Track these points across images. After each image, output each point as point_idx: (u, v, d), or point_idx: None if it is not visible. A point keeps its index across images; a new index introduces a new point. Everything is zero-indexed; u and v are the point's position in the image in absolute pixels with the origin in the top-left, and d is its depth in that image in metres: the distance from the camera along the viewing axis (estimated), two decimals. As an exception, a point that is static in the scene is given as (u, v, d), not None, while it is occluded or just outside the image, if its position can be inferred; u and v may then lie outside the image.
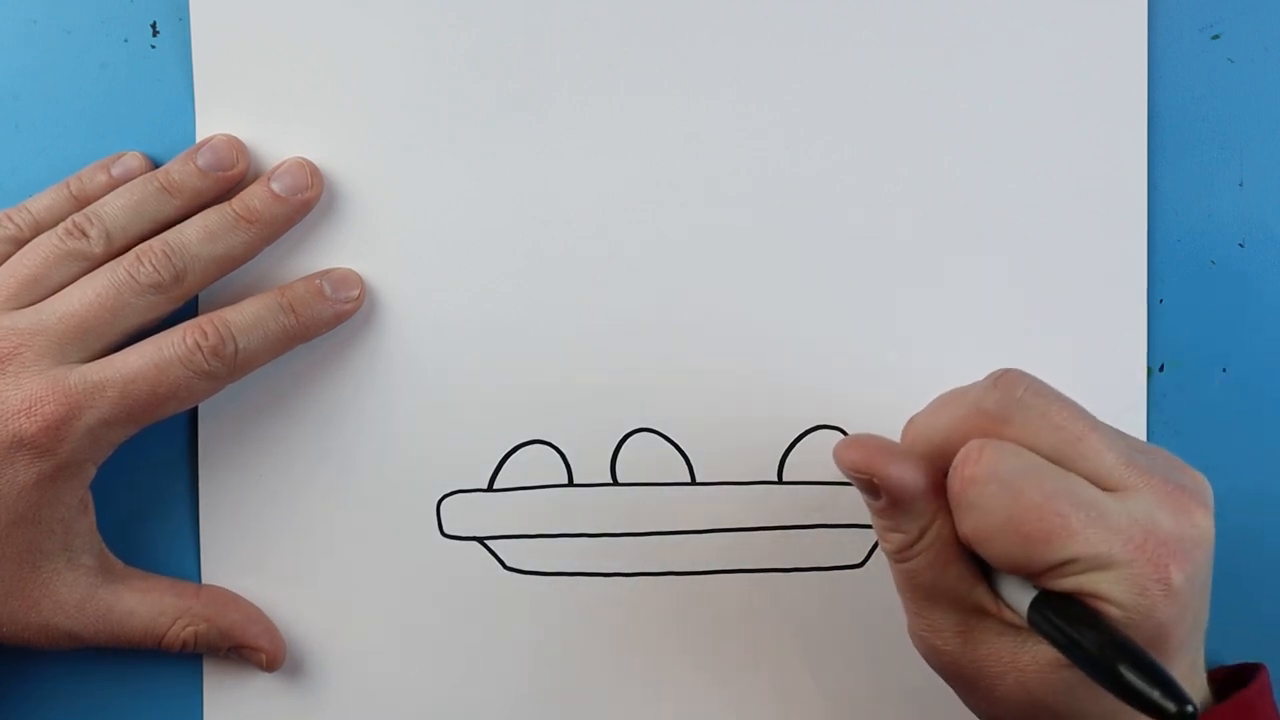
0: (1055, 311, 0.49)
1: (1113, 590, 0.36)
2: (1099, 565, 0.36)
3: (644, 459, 0.49)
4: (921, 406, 0.47)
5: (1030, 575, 0.38)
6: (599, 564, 0.49)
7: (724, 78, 0.49)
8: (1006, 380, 0.39)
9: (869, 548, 0.49)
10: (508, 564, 0.49)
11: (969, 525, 0.38)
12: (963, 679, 0.40)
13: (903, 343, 0.49)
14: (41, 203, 0.48)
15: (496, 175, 0.49)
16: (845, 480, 0.47)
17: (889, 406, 0.49)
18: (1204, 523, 0.38)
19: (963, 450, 0.38)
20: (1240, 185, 0.49)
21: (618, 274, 0.49)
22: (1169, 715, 0.33)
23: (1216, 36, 0.49)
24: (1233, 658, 0.47)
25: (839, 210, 0.49)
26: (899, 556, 0.40)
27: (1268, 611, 0.50)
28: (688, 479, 0.49)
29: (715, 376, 0.49)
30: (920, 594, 0.40)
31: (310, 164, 0.48)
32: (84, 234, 0.46)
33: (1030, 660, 0.39)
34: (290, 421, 0.49)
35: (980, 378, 0.40)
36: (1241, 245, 0.49)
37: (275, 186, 0.47)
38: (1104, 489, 0.38)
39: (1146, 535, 0.36)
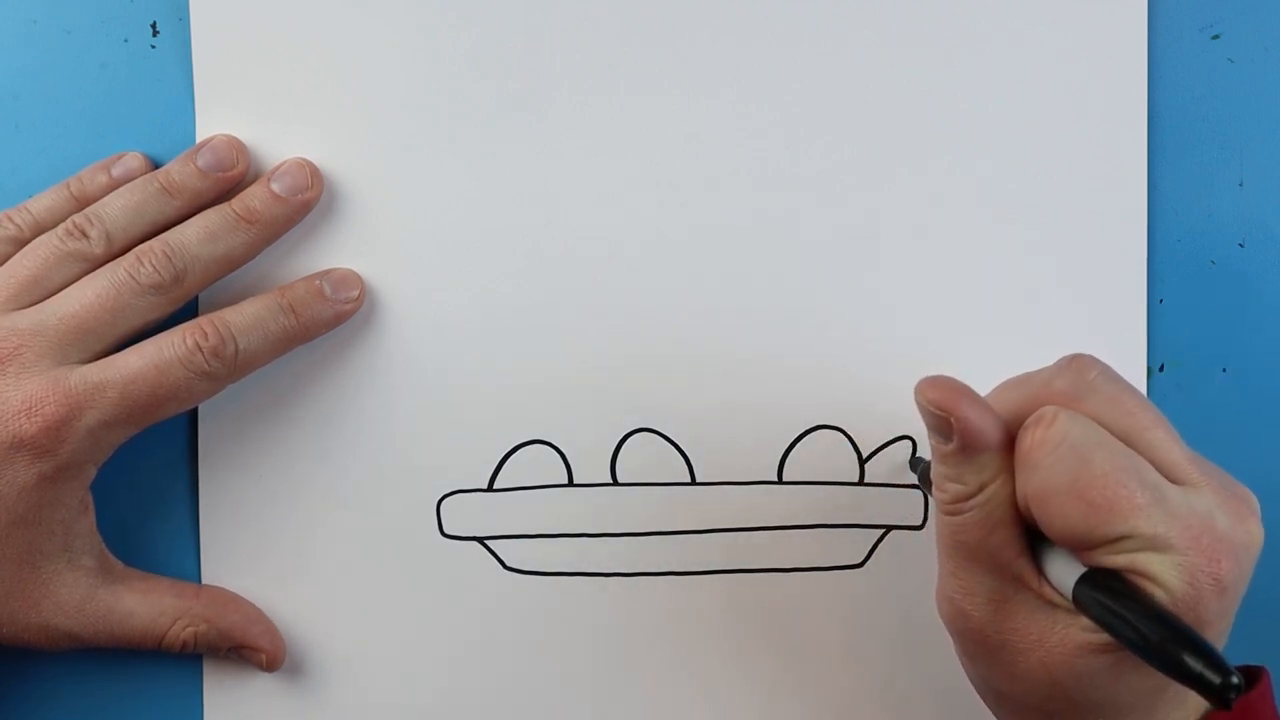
0: (1055, 311, 0.49)
1: (1164, 573, 0.36)
2: (1155, 546, 0.36)
3: (644, 459, 0.49)
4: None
5: (1084, 546, 0.37)
6: (599, 564, 0.49)
7: (724, 78, 0.48)
8: (1080, 363, 0.39)
9: (869, 548, 0.49)
10: (508, 564, 0.49)
11: (1034, 485, 0.38)
12: (984, 648, 0.40)
13: (903, 343, 0.49)
14: (42, 203, 0.48)
15: (496, 175, 0.49)
16: (845, 480, 0.48)
17: (889, 406, 0.49)
18: (1256, 531, 0.38)
19: (1036, 413, 0.38)
20: (1240, 185, 0.49)
21: (618, 274, 0.49)
22: (1216, 688, 0.33)
23: (1216, 36, 0.49)
24: (1234, 659, 0.47)
25: (839, 210, 0.49)
26: (953, 508, 0.40)
27: (1269, 612, 0.50)
28: (688, 479, 0.49)
29: (715, 377, 0.49)
30: (963, 553, 0.40)
31: (310, 164, 0.48)
32: (84, 235, 0.46)
33: (1059, 641, 0.38)
34: (290, 421, 0.49)
35: (984, 376, 0.40)
36: (1241, 245, 0.49)
37: (275, 187, 0.47)
38: (1167, 479, 0.38)
39: (1204, 528, 0.37)
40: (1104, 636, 0.37)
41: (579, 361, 0.49)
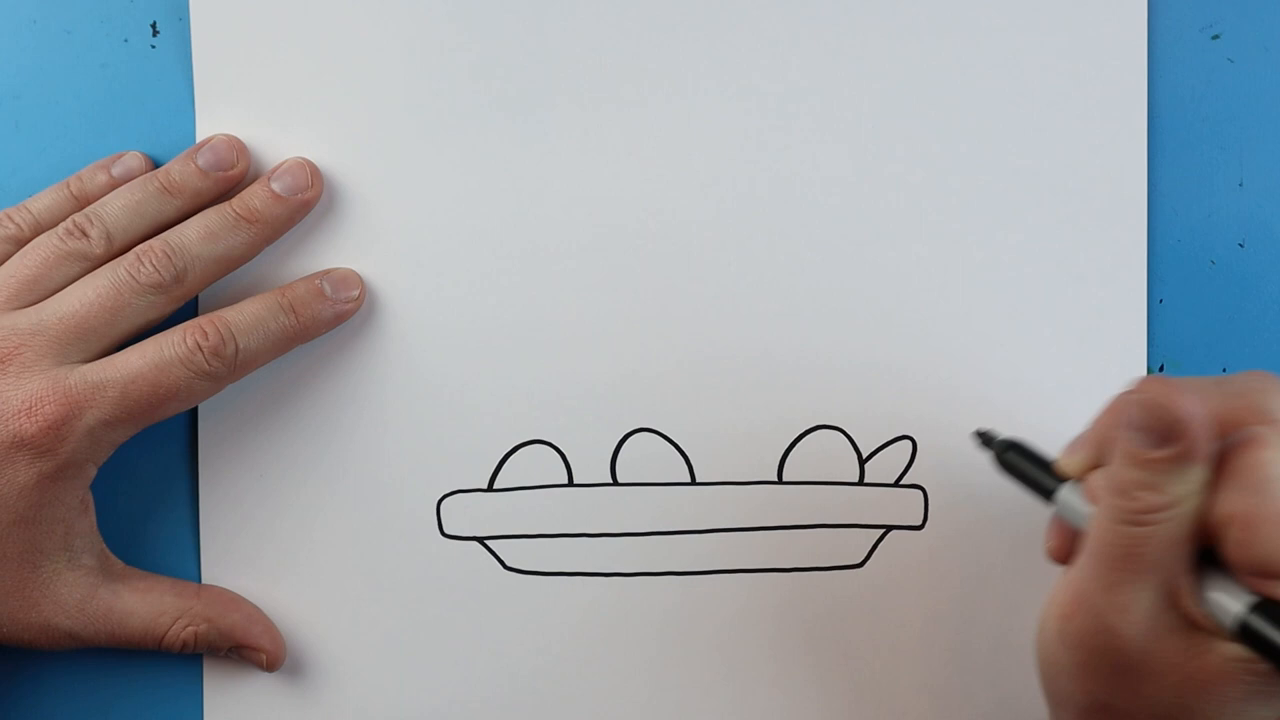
0: (1055, 311, 0.49)
1: None
2: None
3: (644, 459, 0.49)
4: (922, 406, 0.47)
5: (1269, 575, 0.36)
6: (599, 564, 0.49)
7: (724, 79, 0.48)
8: (1268, 378, 0.38)
9: (869, 548, 0.49)
10: (508, 564, 0.49)
11: (1243, 507, 0.36)
12: (1118, 666, 0.38)
13: (903, 343, 0.49)
14: (42, 202, 0.48)
15: (496, 175, 0.49)
16: (845, 480, 0.47)
17: (889, 406, 0.49)
18: None
19: (1257, 431, 0.36)
20: (1240, 185, 0.49)
21: (618, 274, 0.49)
22: None
23: (1216, 36, 0.49)
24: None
25: (838, 211, 0.49)
26: (1142, 519, 0.36)
27: None
28: (688, 479, 0.49)
29: (715, 376, 0.49)
30: (1131, 566, 0.37)
31: (310, 164, 0.48)
32: (84, 234, 0.46)
33: (1203, 665, 0.37)
34: (290, 421, 0.49)
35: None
36: (1241, 245, 0.49)
37: (275, 186, 0.47)
38: None
39: None
40: (1258, 666, 0.36)
41: (579, 361, 0.49)
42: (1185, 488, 0.36)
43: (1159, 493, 0.36)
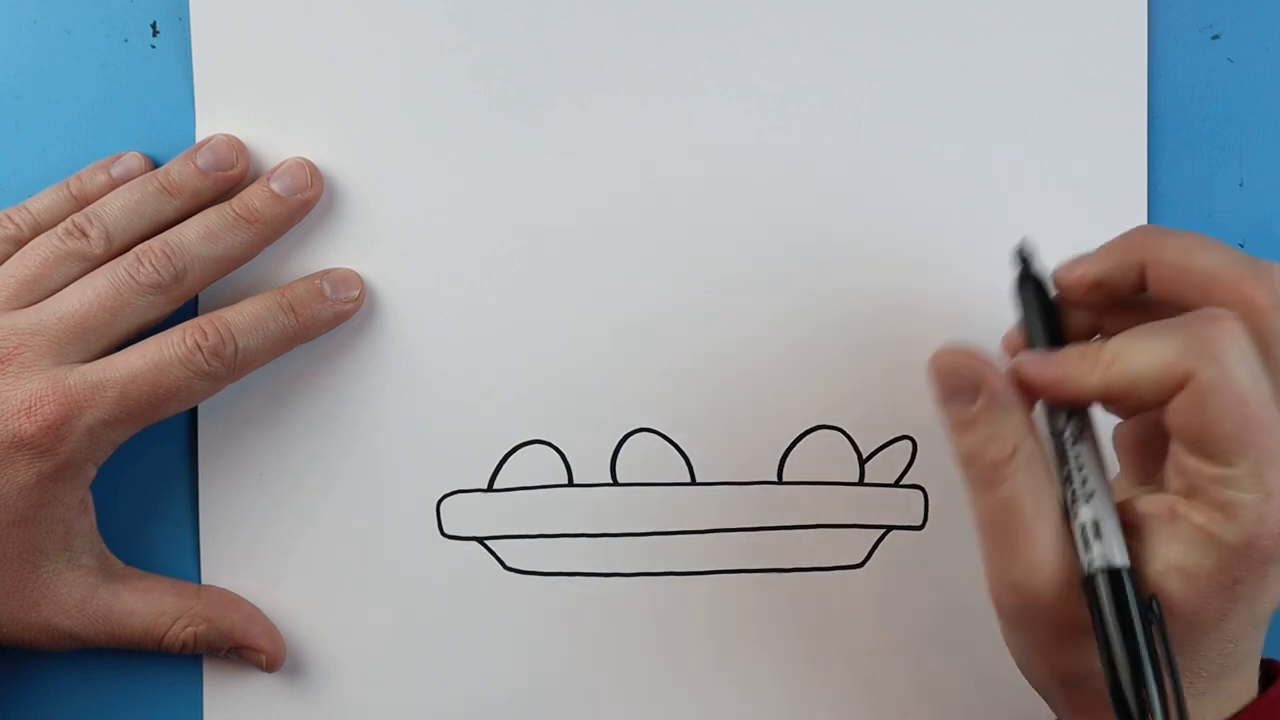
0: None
1: (1243, 516, 0.35)
2: (1256, 488, 0.35)
3: (644, 459, 0.49)
4: (922, 406, 0.47)
5: (1206, 455, 0.36)
6: (599, 564, 0.49)
7: (724, 79, 0.49)
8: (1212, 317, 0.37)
9: (869, 548, 0.49)
10: (508, 564, 0.49)
11: (1206, 378, 0.36)
12: (1056, 632, 0.38)
13: (903, 343, 0.49)
14: (41, 202, 0.48)
15: (496, 175, 0.49)
16: (845, 480, 0.47)
17: (889, 406, 0.49)
18: None
19: (1229, 310, 0.37)
20: (1240, 185, 0.49)
21: (618, 274, 0.49)
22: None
23: (1216, 36, 0.49)
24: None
25: (838, 210, 0.49)
26: (994, 474, 0.37)
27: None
28: (688, 479, 0.49)
29: (715, 376, 0.49)
30: (1015, 526, 0.37)
31: (310, 164, 0.48)
32: (84, 234, 0.46)
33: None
34: (290, 421, 0.49)
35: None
36: (1241, 245, 0.49)
37: (275, 186, 0.47)
38: None
39: None
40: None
41: (579, 361, 0.49)
42: (1017, 423, 0.38)
43: (997, 439, 0.38)
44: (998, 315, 0.49)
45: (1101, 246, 0.41)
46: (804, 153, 0.49)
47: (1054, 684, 0.40)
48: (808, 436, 0.49)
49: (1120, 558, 0.37)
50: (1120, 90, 0.48)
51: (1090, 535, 0.37)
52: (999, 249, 0.49)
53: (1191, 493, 0.37)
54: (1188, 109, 0.49)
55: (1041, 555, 0.37)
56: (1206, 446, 0.36)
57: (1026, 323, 0.42)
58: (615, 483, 0.49)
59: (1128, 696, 0.35)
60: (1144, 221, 0.49)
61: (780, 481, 0.49)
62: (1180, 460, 0.37)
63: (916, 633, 0.49)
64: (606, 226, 0.49)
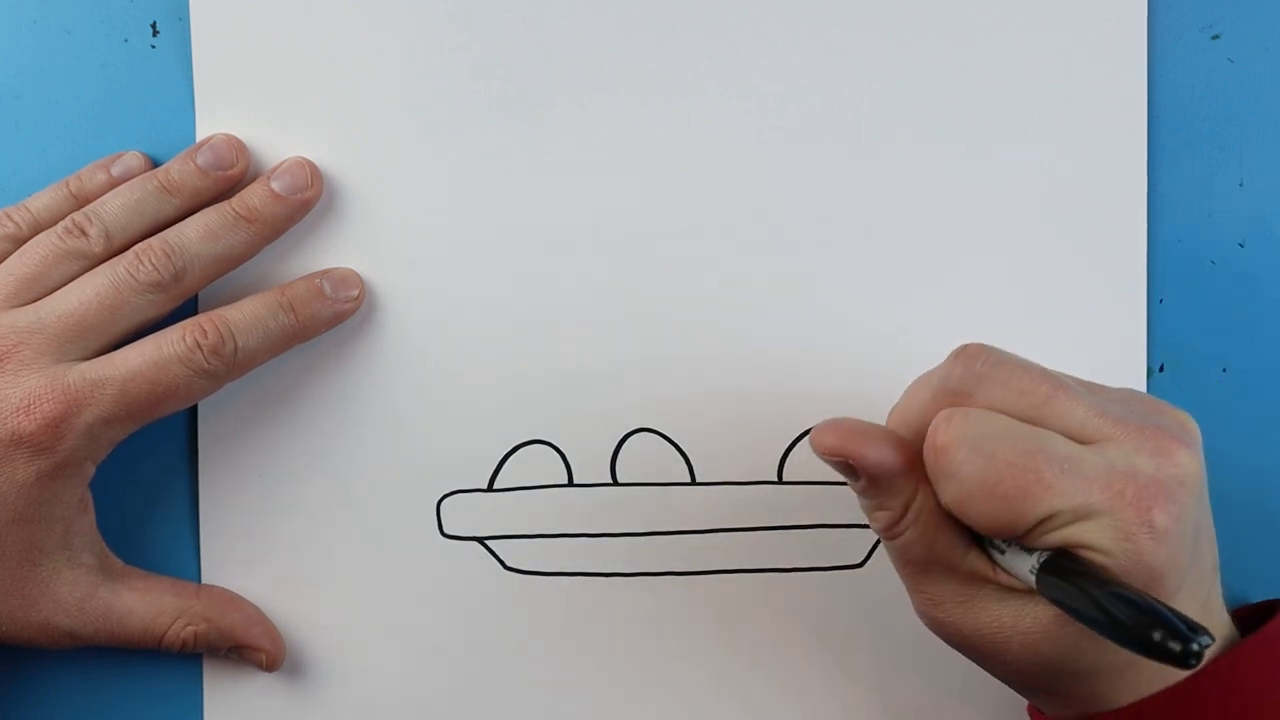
0: (1055, 312, 0.49)
1: (1098, 539, 0.36)
2: (1081, 516, 0.36)
3: (644, 459, 0.49)
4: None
5: (1015, 536, 0.38)
6: (599, 564, 0.49)
7: (724, 79, 0.49)
8: (966, 356, 0.39)
9: (869, 548, 0.49)
10: (508, 564, 0.49)
11: (948, 494, 0.38)
12: (972, 648, 0.40)
13: (902, 343, 0.49)
14: (41, 201, 0.48)
15: (497, 175, 0.49)
16: (845, 480, 0.47)
17: (889, 407, 0.49)
18: (1187, 461, 0.37)
19: (933, 422, 0.38)
20: (1240, 185, 0.49)
21: (618, 274, 0.49)
22: (1178, 655, 0.33)
23: (1216, 36, 0.49)
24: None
25: (838, 210, 0.49)
26: (888, 534, 0.40)
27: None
28: (688, 479, 0.49)
29: (715, 376, 0.49)
30: (916, 568, 0.40)
31: (310, 163, 0.48)
32: (83, 233, 0.46)
33: (1033, 622, 0.39)
34: (290, 421, 0.49)
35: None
36: (1241, 245, 0.49)
37: (275, 186, 0.47)
38: (1079, 443, 0.38)
39: (1126, 481, 0.36)
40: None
41: (579, 361, 0.49)
42: (903, 496, 0.40)
43: (886, 509, 0.40)
44: (997, 315, 0.49)
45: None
46: (804, 152, 0.49)
47: (1022, 689, 0.42)
48: (808, 436, 0.49)
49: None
50: (1120, 90, 0.48)
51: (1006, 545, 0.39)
52: (999, 249, 0.49)
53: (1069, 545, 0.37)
54: (1188, 109, 0.49)
55: (940, 590, 0.40)
56: (1018, 530, 0.37)
57: None
58: (615, 483, 0.49)
59: (1151, 635, 0.34)
60: (1144, 221, 0.49)
61: (780, 481, 0.49)
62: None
63: (916, 633, 0.49)
64: (606, 226, 0.49)
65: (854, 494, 0.41)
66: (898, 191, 0.49)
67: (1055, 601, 0.37)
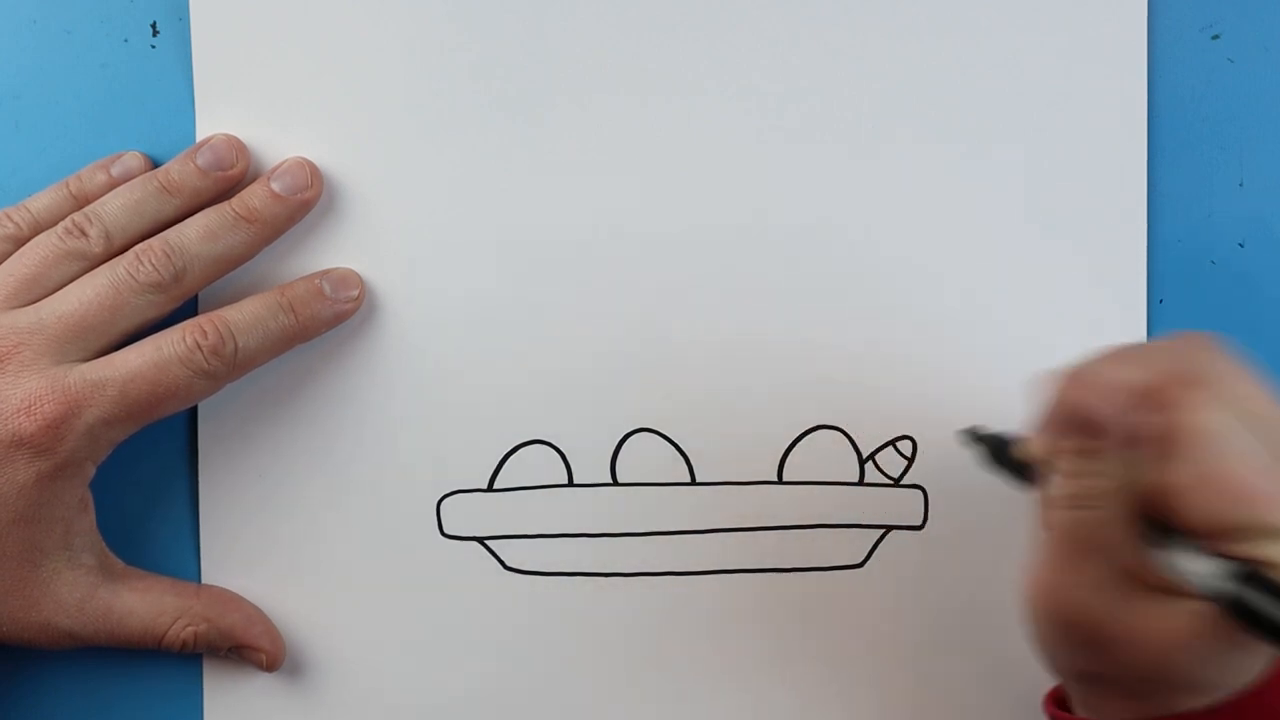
0: (1055, 311, 0.49)
1: None
2: None
3: (644, 459, 0.49)
4: (922, 406, 0.47)
5: (1217, 537, 0.36)
6: (599, 564, 0.49)
7: (724, 79, 0.49)
8: (1204, 345, 0.38)
9: (869, 548, 0.49)
10: (508, 564, 0.49)
11: (1174, 474, 0.37)
12: (1097, 639, 0.39)
13: (903, 343, 0.49)
14: (41, 202, 0.48)
15: (496, 175, 0.49)
16: (845, 480, 0.47)
17: (889, 406, 0.49)
18: None
19: (1174, 397, 0.37)
20: (1240, 185, 0.49)
21: (618, 274, 0.49)
22: None
23: (1216, 36, 0.49)
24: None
25: (838, 210, 0.49)
26: (1084, 502, 0.38)
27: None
28: (688, 479, 0.49)
29: (715, 376, 0.49)
30: (1083, 546, 0.38)
31: (310, 164, 0.48)
32: (83, 233, 0.46)
33: (1183, 627, 0.37)
34: (290, 421, 0.49)
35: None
36: (1241, 245, 0.49)
37: (275, 186, 0.47)
38: None
39: None
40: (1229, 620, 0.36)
41: (579, 361, 0.49)
42: (1117, 470, 0.38)
43: (1104, 477, 0.38)
44: (997, 315, 0.49)
45: (1039, 413, 0.41)
46: (804, 152, 0.49)
47: (1072, 676, 0.41)
48: (808, 436, 0.49)
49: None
50: (1120, 90, 0.48)
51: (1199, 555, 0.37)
52: (999, 249, 0.49)
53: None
54: (1188, 109, 0.49)
55: (1095, 576, 0.38)
56: (1232, 534, 0.36)
57: (1020, 478, 0.43)
58: (615, 483, 0.49)
59: None
60: (1144, 221, 0.49)
61: (780, 481, 0.49)
62: None
63: (916, 632, 0.49)
64: (606, 226, 0.49)
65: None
66: (898, 191, 0.49)
67: (1237, 612, 0.36)
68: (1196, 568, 0.37)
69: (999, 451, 0.43)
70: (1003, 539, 0.49)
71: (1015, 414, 0.48)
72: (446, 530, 0.49)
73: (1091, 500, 0.38)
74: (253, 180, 0.48)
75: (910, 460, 0.49)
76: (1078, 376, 0.38)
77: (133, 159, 0.48)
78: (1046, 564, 0.39)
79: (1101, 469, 0.38)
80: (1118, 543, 0.38)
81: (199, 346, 0.45)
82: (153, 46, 0.49)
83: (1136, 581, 0.38)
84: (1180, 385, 0.38)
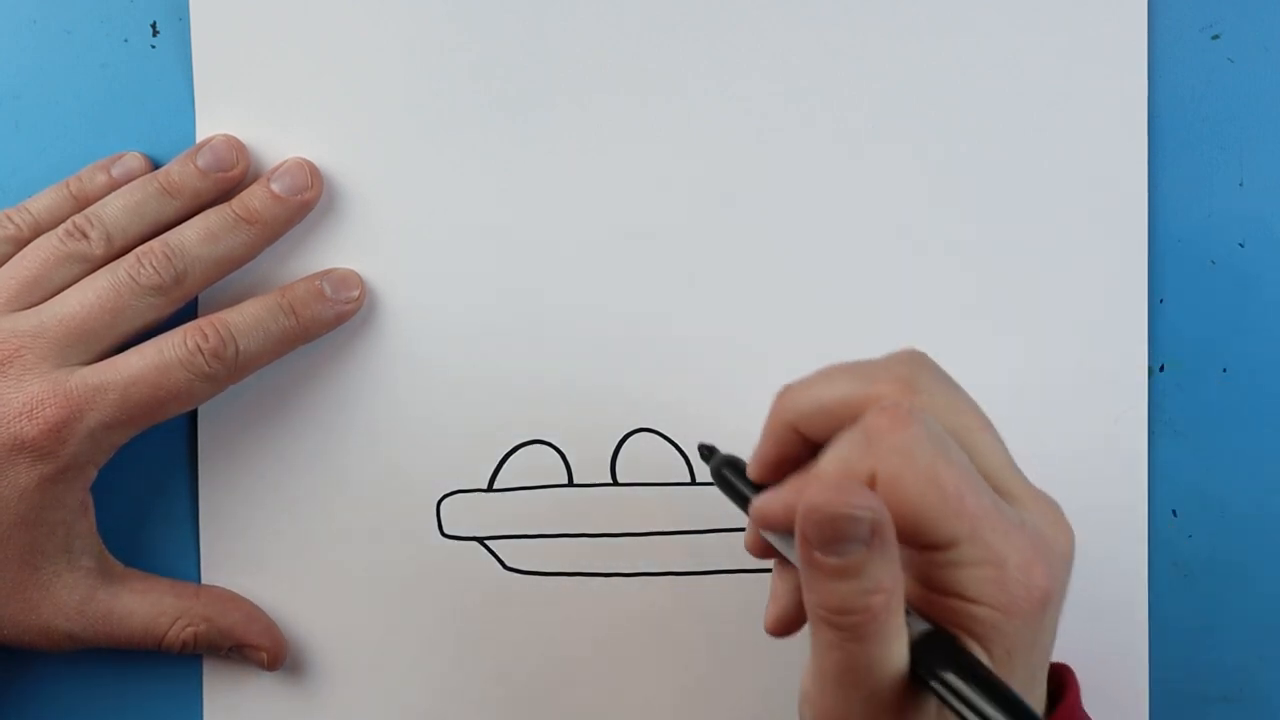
0: (1055, 311, 0.49)
1: (985, 590, 0.34)
2: (982, 561, 0.34)
3: (644, 459, 0.49)
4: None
5: (925, 544, 0.35)
6: (599, 564, 0.49)
7: (724, 79, 0.48)
8: (914, 355, 0.38)
9: (869, 548, 0.49)
10: (508, 564, 0.49)
11: (893, 466, 0.34)
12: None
13: (903, 343, 0.49)
14: (41, 203, 0.48)
15: (496, 175, 0.49)
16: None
17: (889, 406, 0.49)
18: (1071, 541, 0.37)
19: (887, 393, 0.36)
20: (1240, 185, 0.49)
21: (618, 274, 0.49)
22: None
23: (1216, 36, 0.49)
24: (1235, 656, 0.47)
25: (837, 210, 0.49)
26: (864, 626, 0.33)
27: (1269, 609, 0.50)
28: (688, 479, 0.49)
29: (715, 376, 0.49)
30: (859, 679, 0.34)
31: (310, 164, 0.48)
32: (84, 235, 0.46)
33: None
34: (290, 422, 0.49)
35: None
36: (1241, 245, 0.49)
37: (275, 187, 0.47)
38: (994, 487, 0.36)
39: (1033, 545, 0.35)
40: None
41: (579, 361, 0.49)
42: (891, 566, 0.33)
43: (874, 591, 0.33)
44: (998, 315, 0.49)
45: (765, 434, 0.40)
46: (804, 152, 0.49)
47: None
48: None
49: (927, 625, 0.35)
50: (1120, 90, 0.48)
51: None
52: (999, 249, 0.49)
53: (930, 585, 0.35)
54: (1188, 109, 0.49)
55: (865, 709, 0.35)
56: (920, 536, 0.34)
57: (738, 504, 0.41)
58: (615, 483, 0.49)
59: None
60: (1144, 221, 0.49)
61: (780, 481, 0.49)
62: (908, 559, 0.35)
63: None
64: (606, 226, 0.49)
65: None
66: (897, 191, 0.49)
67: (927, 678, 0.34)
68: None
69: (723, 474, 0.42)
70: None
71: (1015, 413, 0.48)
72: (446, 530, 0.49)
73: (874, 618, 0.33)
74: (253, 181, 0.48)
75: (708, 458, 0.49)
76: (823, 485, 0.33)
77: (133, 160, 0.48)
78: (815, 681, 0.35)
79: (875, 575, 0.33)
80: (890, 662, 0.34)
81: (200, 349, 0.45)
82: (153, 46, 0.49)
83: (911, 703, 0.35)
84: (886, 390, 0.36)
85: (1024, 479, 0.37)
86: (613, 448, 0.49)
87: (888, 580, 0.33)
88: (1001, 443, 0.38)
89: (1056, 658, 0.39)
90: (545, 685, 0.50)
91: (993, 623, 0.35)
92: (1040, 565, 0.35)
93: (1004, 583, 0.34)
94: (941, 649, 0.34)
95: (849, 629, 0.33)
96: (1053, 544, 0.36)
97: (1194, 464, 0.49)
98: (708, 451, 0.43)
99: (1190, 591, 0.49)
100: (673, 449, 0.49)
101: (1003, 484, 0.37)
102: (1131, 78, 0.48)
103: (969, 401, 0.38)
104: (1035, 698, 0.37)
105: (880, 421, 0.35)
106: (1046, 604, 0.35)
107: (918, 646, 0.35)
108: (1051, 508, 0.37)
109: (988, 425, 0.37)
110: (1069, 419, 0.48)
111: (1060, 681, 0.39)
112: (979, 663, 0.34)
